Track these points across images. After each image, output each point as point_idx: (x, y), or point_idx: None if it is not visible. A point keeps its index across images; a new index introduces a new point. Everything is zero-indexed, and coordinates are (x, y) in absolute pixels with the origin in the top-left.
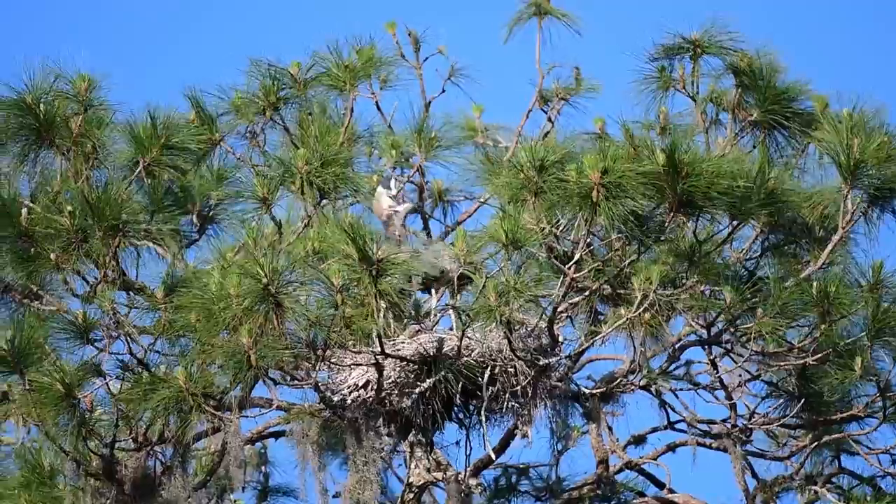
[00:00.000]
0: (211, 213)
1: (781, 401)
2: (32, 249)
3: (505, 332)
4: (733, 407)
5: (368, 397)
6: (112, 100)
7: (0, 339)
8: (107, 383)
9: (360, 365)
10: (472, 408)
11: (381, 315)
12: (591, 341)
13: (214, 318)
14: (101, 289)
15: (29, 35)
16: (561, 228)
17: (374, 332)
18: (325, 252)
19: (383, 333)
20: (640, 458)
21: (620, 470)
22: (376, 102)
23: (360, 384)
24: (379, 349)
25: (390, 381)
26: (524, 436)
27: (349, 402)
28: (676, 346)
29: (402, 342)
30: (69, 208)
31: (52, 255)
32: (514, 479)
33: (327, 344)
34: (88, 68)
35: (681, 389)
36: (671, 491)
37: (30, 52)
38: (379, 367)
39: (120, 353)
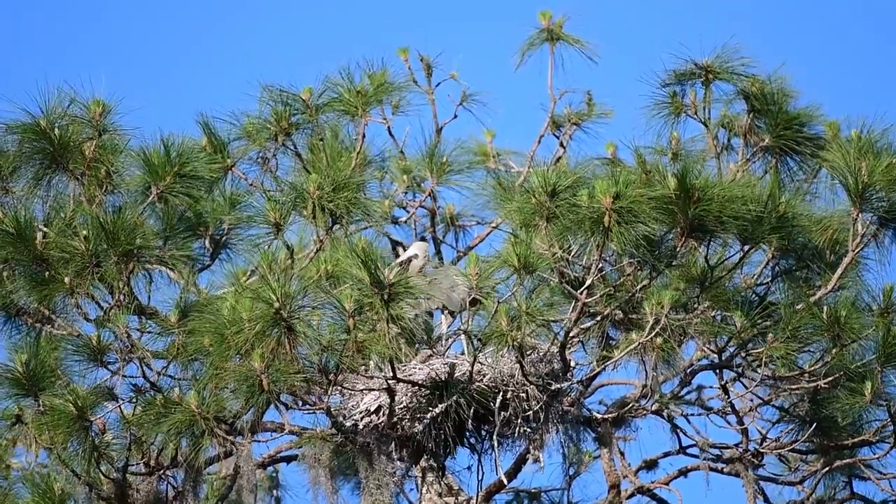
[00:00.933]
0: (223, 238)
1: (793, 426)
2: (47, 273)
3: (517, 357)
4: (745, 432)
5: (380, 422)
6: (126, 125)
7: (14, 362)
8: (119, 406)
9: (372, 390)
10: (483, 433)
11: (393, 340)
12: (603, 366)
13: (227, 343)
14: (114, 313)
15: (44, 61)
16: (573, 253)
17: (386, 356)
18: (338, 275)
19: (395, 358)
20: (652, 482)
21: (632, 495)
22: (388, 128)
23: (372, 409)
24: (391, 374)
25: (402, 406)
26: (536, 460)
27: (361, 427)
28: (688, 371)
29: (414, 367)
30: (84, 233)
31: (66, 279)
32: (525, 503)
33: (339, 369)
34: (103, 93)
35: (693, 414)
36: None
37: (44, 77)
38: (391, 392)
39: (133, 376)
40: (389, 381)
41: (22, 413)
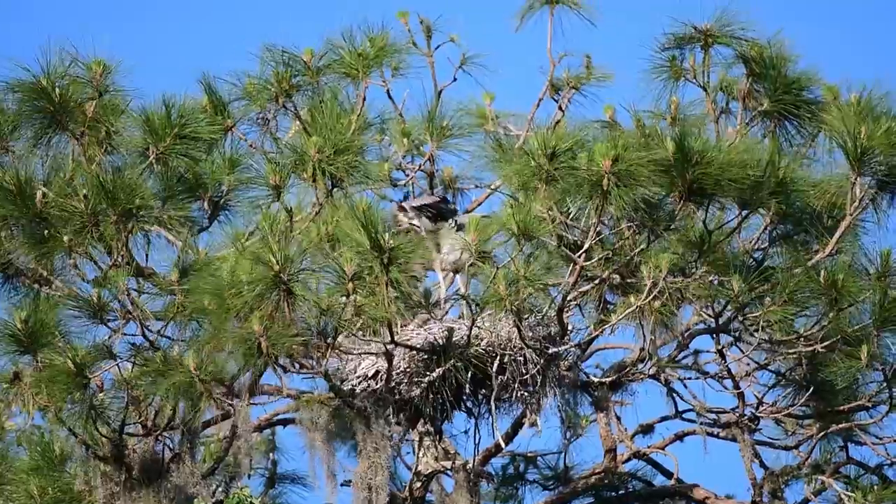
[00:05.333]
0: (222, 200)
1: (789, 390)
2: (46, 232)
3: (514, 321)
4: (741, 396)
5: (378, 387)
6: (127, 85)
7: (13, 318)
8: (118, 365)
9: (370, 354)
10: (481, 397)
11: (392, 304)
12: (601, 330)
13: (226, 305)
14: (112, 273)
15: (45, 20)
16: (571, 216)
17: (385, 321)
18: (338, 236)
19: (394, 320)
20: (649, 447)
21: (629, 459)
22: (388, 90)
23: (370, 374)
24: (389, 338)
25: (400, 370)
26: (533, 424)
27: (359, 391)
28: (685, 335)
29: (412, 331)
30: (84, 192)
31: (66, 238)
32: (522, 467)
33: (337, 332)
34: (104, 54)
35: (689, 378)
36: (679, 480)
37: (46, 37)
38: (389, 357)
39: (132, 334)
40: (387, 346)
41: (20, 371)
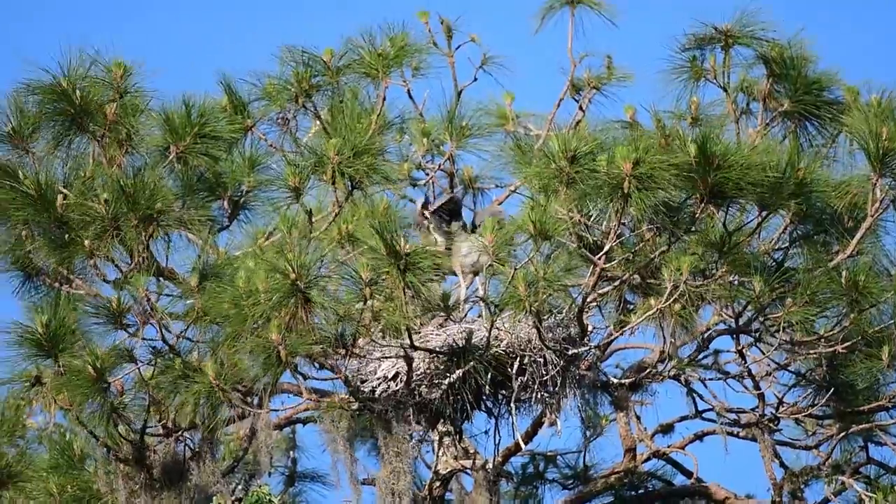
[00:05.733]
0: (242, 200)
1: (810, 390)
2: (66, 236)
3: (534, 322)
4: (761, 396)
5: (398, 389)
6: (147, 87)
7: (34, 322)
8: (138, 368)
9: (390, 357)
10: (501, 397)
11: (410, 308)
12: (621, 331)
13: (243, 313)
14: (132, 275)
15: (65, 21)
16: (591, 218)
17: (403, 326)
18: (357, 236)
19: (412, 326)
20: (668, 446)
21: (648, 458)
22: (408, 90)
23: (390, 376)
24: (408, 342)
25: (419, 372)
26: (552, 424)
27: (378, 393)
28: (705, 336)
29: (431, 333)
30: (105, 196)
31: (86, 242)
32: (541, 466)
33: (356, 338)
34: (124, 55)
35: (710, 379)
36: (699, 480)
37: (66, 38)
38: (408, 360)
39: (152, 339)
40: (407, 350)
41: (41, 374)
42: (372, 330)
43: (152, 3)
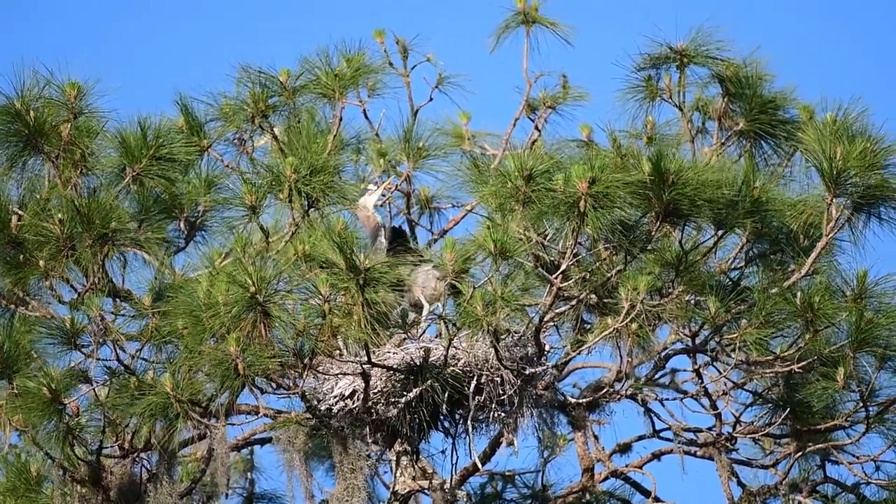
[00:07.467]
0: (198, 220)
1: (766, 409)
2: (21, 256)
3: (492, 342)
4: (718, 416)
5: (355, 407)
6: (102, 106)
7: None
8: (93, 389)
9: (347, 374)
10: (458, 417)
11: (368, 324)
12: (578, 350)
13: (202, 326)
14: (88, 296)
15: (19, 42)
16: (548, 238)
17: (361, 341)
18: (314, 256)
19: (370, 343)
20: (626, 466)
21: (606, 478)
22: (364, 110)
23: (347, 394)
24: (366, 359)
25: (377, 390)
26: (510, 444)
27: (335, 411)
28: (662, 355)
29: (389, 351)
30: (59, 216)
31: (41, 263)
32: (500, 486)
33: (314, 353)
34: (79, 75)
35: (667, 399)
36: (657, 499)
37: (20, 58)
38: (365, 377)
39: (107, 359)
40: (364, 366)
41: None
42: (330, 346)
43: (112, 21)
